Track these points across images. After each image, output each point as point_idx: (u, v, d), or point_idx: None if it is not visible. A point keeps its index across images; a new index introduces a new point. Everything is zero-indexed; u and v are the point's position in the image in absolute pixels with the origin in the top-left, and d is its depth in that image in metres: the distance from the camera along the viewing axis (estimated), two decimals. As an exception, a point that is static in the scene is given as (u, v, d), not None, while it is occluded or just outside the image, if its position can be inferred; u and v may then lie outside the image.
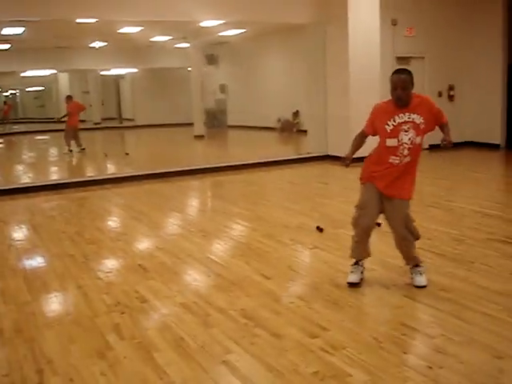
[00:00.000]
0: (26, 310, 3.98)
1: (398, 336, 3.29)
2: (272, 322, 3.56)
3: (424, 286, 4.02)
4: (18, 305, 4.08)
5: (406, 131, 3.79)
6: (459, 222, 5.99)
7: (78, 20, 10.60)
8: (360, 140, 4.08)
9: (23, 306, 4.04)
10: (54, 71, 22.49)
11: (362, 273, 4.18)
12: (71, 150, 14.07)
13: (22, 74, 22.71)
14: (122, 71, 23.54)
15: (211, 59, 22.21)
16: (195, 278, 4.56)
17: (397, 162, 3.87)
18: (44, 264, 5.22)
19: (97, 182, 9.06)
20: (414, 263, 4.12)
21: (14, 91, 37.99)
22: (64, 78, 26.00)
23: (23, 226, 6.69)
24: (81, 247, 5.57)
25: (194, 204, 8.25)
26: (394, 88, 3.74)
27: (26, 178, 10.80)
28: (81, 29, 14.91)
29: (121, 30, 15.35)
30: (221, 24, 13.85)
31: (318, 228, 5.68)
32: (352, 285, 4.09)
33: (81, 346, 3.38)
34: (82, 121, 24.48)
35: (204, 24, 14.32)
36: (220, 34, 16.90)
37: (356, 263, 4.19)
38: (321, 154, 10.93)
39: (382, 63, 10.33)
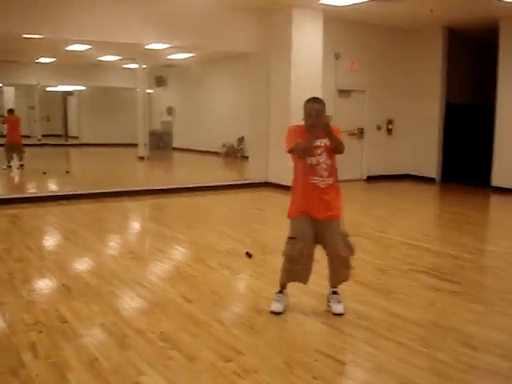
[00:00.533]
0: None
1: (309, 362, 3.37)
2: (188, 345, 3.59)
3: (342, 314, 4.14)
4: None
5: (320, 155, 3.98)
6: (385, 252, 6.19)
7: (25, 35, 10.40)
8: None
9: None
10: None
11: (285, 301, 4.26)
12: (10, 166, 13.75)
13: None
14: (69, 88, 23.23)
15: (160, 81, 22.26)
16: (118, 299, 4.53)
17: (318, 181, 4.01)
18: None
19: (31, 200, 8.89)
20: (345, 280, 4.28)
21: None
22: (9, 93, 25.46)
23: None
24: (7, 265, 5.45)
25: (128, 226, 8.18)
26: (308, 116, 3.92)
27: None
28: (28, 44, 14.73)
29: (69, 48, 15.31)
30: (168, 47, 14.02)
31: (247, 254, 5.75)
32: (275, 313, 4.15)
33: (-7, 363, 3.31)
34: (27, 136, 24.16)
35: (151, 46, 14.54)
36: (169, 56, 17.10)
37: (281, 291, 4.26)
38: (261, 181, 11.08)
39: (324, 95, 10.56)
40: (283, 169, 10.38)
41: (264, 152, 11.10)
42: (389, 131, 12.44)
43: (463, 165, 12.01)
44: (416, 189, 11.70)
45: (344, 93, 11.63)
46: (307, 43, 10.25)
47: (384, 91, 12.20)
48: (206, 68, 18.68)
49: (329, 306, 4.24)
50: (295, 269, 4.15)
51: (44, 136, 24.63)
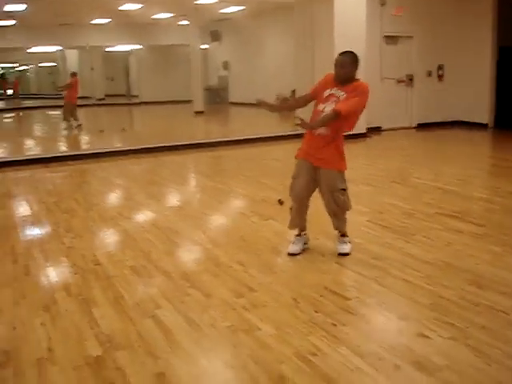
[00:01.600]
0: (-11, 269, 4.33)
1: (316, 297, 3.59)
2: (206, 284, 3.88)
3: (347, 254, 4.34)
4: (-18, 265, 4.43)
5: (331, 103, 4.10)
6: (416, 197, 6.23)
7: None
8: (301, 99, 4.44)
9: (-14, 267, 4.40)
10: (60, 48, 22.70)
11: (305, 243, 4.47)
12: (70, 125, 14.39)
13: (29, 51, 22.96)
14: (128, 48, 23.73)
15: (215, 36, 22.37)
16: (151, 245, 4.85)
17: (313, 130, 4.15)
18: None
19: (85, 156, 9.39)
20: (337, 230, 4.43)
21: (26, 67, 38.53)
22: (73, 55, 26.29)
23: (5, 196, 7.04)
24: (55, 216, 5.91)
25: (174, 179, 8.48)
26: (335, 65, 4.12)
27: (15, 151, 11.16)
28: (82, 6, 15.19)
29: (122, 7, 15.65)
30: (216, 2, 14.09)
31: (279, 201, 5.94)
32: (291, 255, 4.38)
33: (30, 300, 3.72)
34: (87, 97, 25.00)
35: (201, 1, 14.64)
36: (221, 11, 17.14)
37: (298, 234, 4.48)
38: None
39: (369, 42, 10.50)
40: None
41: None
42: (439, 77, 12.14)
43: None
44: (467, 135, 11.46)
45: (391, 39, 11.41)
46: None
47: (433, 36, 11.85)
48: (259, 21, 18.62)
49: (337, 248, 4.43)
50: (293, 205, 4.38)
51: (108, 96, 25.52)
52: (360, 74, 9.84)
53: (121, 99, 25.56)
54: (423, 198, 6.15)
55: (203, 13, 17.39)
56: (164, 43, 21.64)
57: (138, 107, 23.11)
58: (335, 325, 3.21)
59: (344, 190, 4.28)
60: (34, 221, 5.76)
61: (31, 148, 12.12)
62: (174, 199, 6.75)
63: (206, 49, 23.74)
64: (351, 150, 9.35)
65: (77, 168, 8.81)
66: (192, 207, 6.21)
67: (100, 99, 24.89)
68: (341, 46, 10.13)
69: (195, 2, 15.17)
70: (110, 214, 5.94)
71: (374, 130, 11.20)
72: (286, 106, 4.44)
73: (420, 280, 3.82)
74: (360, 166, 8.27)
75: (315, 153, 4.19)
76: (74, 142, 13.05)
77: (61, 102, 15.20)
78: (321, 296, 3.61)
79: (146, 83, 24.15)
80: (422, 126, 12.04)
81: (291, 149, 9.92)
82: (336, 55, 4.19)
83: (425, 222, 5.25)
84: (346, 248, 4.39)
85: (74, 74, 14.74)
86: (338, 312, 3.39)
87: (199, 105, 17.70)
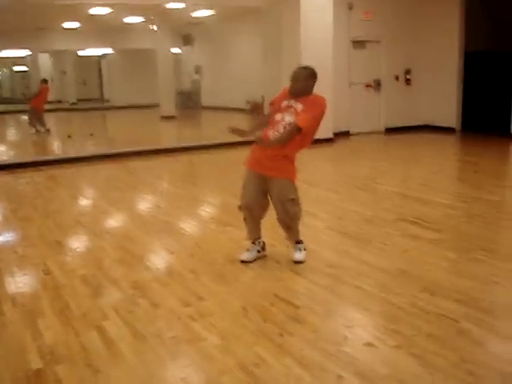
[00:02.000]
0: None
1: (266, 306, 3.54)
2: (156, 293, 3.81)
3: (301, 262, 4.29)
4: None
5: (290, 114, 4.09)
6: (377, 203, 6.24)
7: None
8: (268, 116, 4.28)
9: None
10: (29, 52, 22.39)
11: (258, 251, 4.42)
12: (38, 130, 14.19)
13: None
14: (98, 52, 23.50)
15: (187, 40, 22.29)
16: (104, 253, 4.75)
17: (271, 135, 4.07)
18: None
19: (49, 163, 9.23)
20: (291, 239, 4.40)
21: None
22: (45, 59, 26.00)
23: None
24: (11, 224, 5.78)
25: (137, 185, 8.35)
26: (290, 79, 4.16)
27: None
28: (51, 10, 14.96)
29: (92, 11, 15.49)
30: (184, 7, 14.01)
31: (239, 207, 5.89)
32: (244, 262, 4.33)
33: (-27, 312, 3.62)
34: (59, 101, 24.66)
35: (169, 5, 14.54)
36: (191, 14, 17.09)
37: (253, 242, 4.43)
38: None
39: (337, 47, 10.53)
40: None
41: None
42: (407, 81, 12.22)
43: (484, 114, 11.69)
44: (434, 139, 11.53)
45: (358, 44, 11.46)
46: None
47: (401, 41, 11.94)
48: (230, 25, 18.62)
49: (292, 255, 4.38)
50: (245, 216, 4.35)
51: (81, 100, 25.25)
52: (327, 79, 9.98)
53: (93, 103, 25.33)
54: (384, 204, 6.16)
55: (174, 17, 17.33)
56: (135, 47, 21.52)
57: (109, 112, 22.90)
58: (282, 334, 3.16)
59: (294, 199, 4.23)
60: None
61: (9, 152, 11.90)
62: (134, 206, 6.66)
63: (178, 53, 23.71)
64: (317, 155, 9.57)
65: (40, 174, 8.65)
66: (151, 214, 6.13)
67: (72, 103, 24.65)
68: (307, 51, 10.38)
69: (164, 6, 15.12)
70: (67, 221, 5.82)
71: (342, 135, 11.22)
72: (257, 126, 4.28)
73: (372, 288, 3.81)
74: (325, 171, 8.29)
75: (265, 162, 4.14)
76: (40, 147, 12.86)
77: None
78: (271, 304, 3.56)
79: (117, 88, 23.99)
80: (390, 131, 12.11)
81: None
82: (298, 62, 4.21)
83: (383, 228, 5.24)
84: (300, 256, 4.35)
85: (44, 81, 14.57)
86: (287, 321, 3.35)
87: (168, 109, 17.59)
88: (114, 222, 5.79)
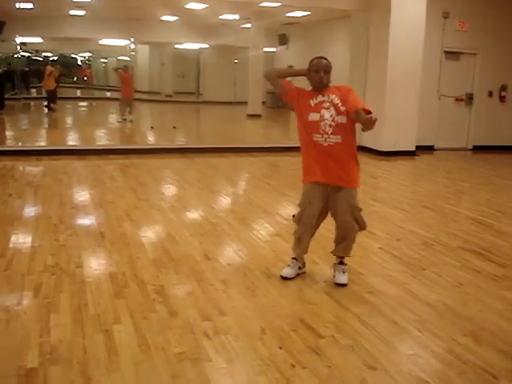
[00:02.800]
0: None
1: (286, 331, 3.26)
2: (178, 301, 3.62)
3: (344, 285, 3.98)
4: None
5: (327, 108, 3.78)
6: (444, 227, 5.73)
7: None
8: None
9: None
10: (128, 42, 23.01)
11: (299, 268, 4.15)
12: (125, 119, 14.56)
13: (101, 43, 23.44)
14: (196, 46, 23.84)
15: (283, 39, 22.14)
16: (140, 249, 4.64)
17: (321, 140, 3.77)
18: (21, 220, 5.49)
19: (121, 151, 9.37)
20: (343, 254, 4.09)
21: (105, 59, 39.69)
22: (144, 50, 26.72)
23: (29, 185, 7.04)
24: (63, 210, 5.83)
25: (190, 181, 8.24)
26: (316, 70, 3.80)
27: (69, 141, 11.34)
28: (149, 1, 15.30)
29: (187, 6, 15.71)
30: (280, 5, 13.79)
31: (293, 217, 5.61)
32: (284, 278, 4.07)
33: (-5, 299, 3.59)
34: (156, 93, 25.31)
35: (264, 4, 14.42)
36: (286, 14, 16.95)
37: (295, 258, 4.16)
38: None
39: (427, 57, 9.97)
40: (377, 134, 9.97)
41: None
42: (501, 98, 11.36)
43: None
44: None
45: (452, 55, 10.77)
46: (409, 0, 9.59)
47: (498, 55, 11.09)
48: (324, 27, 18.26)
49: (333, 276, 4.07)
50: (303, 236, 4.04)
51: (176, 93, 25.77)
52: (414, 89, 9.46)
53: (188, 97, 25.74)
54: (451, 228, 5.66)
55: (269, 16, 17.25)
56: (229, 44, 21.61)
57: (201, 106, 23.22)
58: (294, 366, 2.88)
59: (361, 209, 4.03)
60: (40, 213, 5.69)
61: (80, 138, 12.31)
62: (189, 204, 6.50)
63: (273, 52, 23.63)
64: (395, 169, 9.08)
65: (108, 162, 8.78)
66: (202, 215, 5.94)
67: (167, 96, 25.21)
68: (395, 59, 9.89)
69: (259, 5, 15.07)
70: (117, 213, 5.78)
71: (425, 149, 10.60)
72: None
73: (410, 324, 3.42)
74: (397, 186, 7.81)
75: (333, 170, 3.83)
76: (118, 136, 13.16)
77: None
78: (293, 330, 3.28)
79: (210, 83, 24.23)
80: (479, 149, 11.32)
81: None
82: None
83: (442, 255, 4.78)
84: (343, 278, 4.03)
85: (124, 69, 14.92)
86: (304, 351, 3.05)
87: (255, 108, 17.55)
88: (162, 219, 5.66)
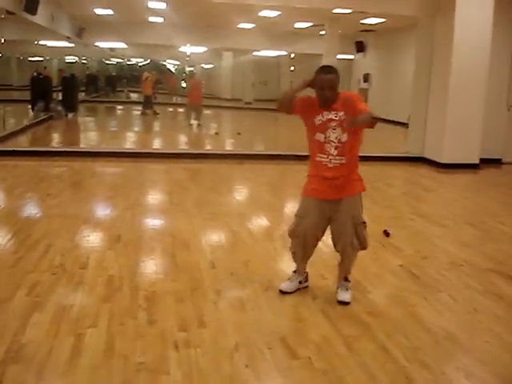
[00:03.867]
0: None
1: (261, 348, 3.09)
2: (163, 310, 3.54)
3: (347, 303, 3.75)
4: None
5: (334, 129, 3.57)
6: (481, 245, 5.30)
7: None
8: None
9: None
10: (205, 48, 23.40)
11: (300, 282, 3.95)
12: (191, 124, 14.80)
13: (181, 50, 23.96)
14: (274, 54, 23.90)
15: (360, 47, 21.76)
16: (149, 255, 4.61)
17: (325, 160, 3.59)
18: (38, 219, 5.60)
19: (171, 156, 9.49)
20: (344, 274, 3.85)
21: (191, 68, 40.96)
22: (228, 57, 27.13)
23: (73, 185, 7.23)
24: (94, 210, 5.93)
25: (222, 189, 8.11)
26: (320, 88, 3.49)
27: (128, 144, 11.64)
28: (223, 9, 15.46)
29: (260, 14, 15.76)
30: (353, 12, 13.47)
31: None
32: (283, 293, 3.89)
33: (-11, 294, 3.66)
34: (237, 100, 25.59)
35: (336, 11, 14.16)
36: (360, 21, 16.61)
37: (295, 271, 3.97)
38: (416, 155, 10.26)
39: (494, 64, 9.38)
40: (439, 144, 9.53)
41: (422, 124, 10.22)
42: None
43: None
44: None
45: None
46: (475, 4, 9.06)
47: None
48: (401, 34, 17.76)
49: (336, 293, 3.84)
50: (296, 249, 3.84)
51: (257, 100, 25.93)
52: (479, 98, 8.94)
53: (267, 104, 25.82)
54: (488, 248, 5.22)
55: (343, 23, 16.95)
56: (306, 52, 21.54)
57: (275, 113, 23.17)
58: (253, 387, 2.71)
59: (365, 223, 3.76)
60: (70, 213, 5.81)
61: (137, 141, 12.62)
62: (220, 210, 6.40)
63: (351, 59, 23.27)
64: (451, 181, 8.57)
65: (158, 164, 8.89)
66: (228, 222, 5.82)
67: (247, 103, 25.42)
68: (459, 66, 9.35)
69: (332, 12, 14.85)
70: (142, 216, 5.79)
71: (492, 162, 9.96)
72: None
73: (400, 351, 3.15)
74: (446, 201, 7.36)
75: (335, 187, 3.63)
76: (181, 140, 13.37)
77: (214, 102, 15.59)
78: (268, 348, 3.10)
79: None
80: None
81: (390, 171, 9.17)
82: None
83: (467, 277, 4.41)
84: (347, 296, 3.81)
85: (191, 75, 15.16)
86: (270, 372, 2.88)
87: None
88: (186, 223, 5.61)
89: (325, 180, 3.63)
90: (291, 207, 6.36)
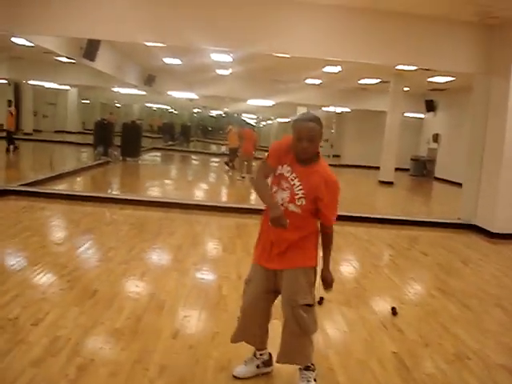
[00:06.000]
0: None
1: None
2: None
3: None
4: None
5: (284, 189, 3.10)
6: (502, 333, 4.55)
7: (276, 54, 10.51)
8: (265, 180, 3.19)
9: None
10: (273, 102, 23.45)
11: (257, 367, 3.43)
12: (243, 177, 14.60)
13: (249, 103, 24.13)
14: (332, 109, 23.60)
15: (430, 106, 21.05)
16: (116, 314, 4.23)
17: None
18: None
19: (190, 207, 9.24)
20: (299, 364, 3.28)
21: (266, 122, 41.78)
22: (302, 111, 27.16)
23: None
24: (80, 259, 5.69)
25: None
26: (298, 138, 2.98)
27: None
28: (286, 63, 15.45)
29: (324, 69, 15.60)
30: (418, 68, 12.94)
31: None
32: (236, 378, 3.38)
33: None
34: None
35: (400, 67, 13.72)
36: (428, 79, 16.03)
37: (254, 354, 3.46)
38: (467, 223, 9.47)
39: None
40: (490, 212, 8.75)
41: (475, 189, 9.44)
42: None
43: None
44: None
45: None
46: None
47: None
48: (469, 94, 16.93)
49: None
50: (244, 324, 3.33)
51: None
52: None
53: (328, 160, 25.48)
54: (509, 338, 4.46)
55: (411, 80, 16.46)
56: (370, 108, 21.17)
57: (337, 168, 22.75)
58: None
59: (309, 305, 3.14)
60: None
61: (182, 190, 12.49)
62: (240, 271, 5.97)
63: (421, 118, 22.54)
64: (499, 255, 7.68)
65: (187, 218, 8.62)
66: (218, 288, 5.36)
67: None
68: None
69: (396, 68, 14.45)
70: (130, 268, 5.47)
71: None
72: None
73: None
74: (483, 276, 6.52)
75: (273, 257, 3.16)
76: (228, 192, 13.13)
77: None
78: None
79: (348, 146, 23.78)
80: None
81: (434, 239, 8.43)
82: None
83: (469, 374, 3.71)
84: None
85: (250, 127, 15.11)
86: None
87: (387, 174, 16.68)
88: (175, 282, 5.20)
89: (272, 250, 3.17)
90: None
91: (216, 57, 14.57)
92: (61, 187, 10.65)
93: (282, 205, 3.07)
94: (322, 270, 3.23)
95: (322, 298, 4.87)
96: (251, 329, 3.33)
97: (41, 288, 4.69)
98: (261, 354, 3.44)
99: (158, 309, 4.43)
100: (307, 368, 3.29)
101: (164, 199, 9.70)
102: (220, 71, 18.55)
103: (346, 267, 6.40)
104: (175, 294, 4.86)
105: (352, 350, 3.91)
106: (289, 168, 3.09)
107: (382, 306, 5.02)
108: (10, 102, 16.95)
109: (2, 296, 4.39)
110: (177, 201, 9.45)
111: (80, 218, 7.85)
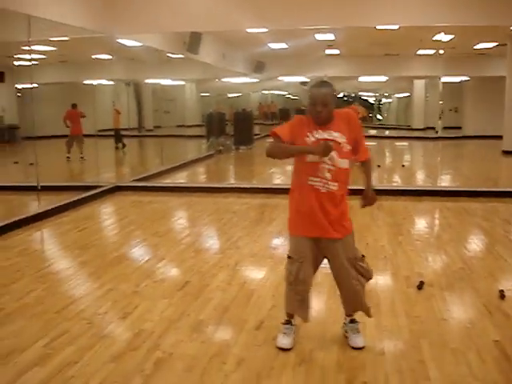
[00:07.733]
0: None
1: None
2: (162, 379, 3.10)
3: (362, 348, 3.34)
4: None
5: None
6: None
7: (379, 27, 10.17)
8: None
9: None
10: (386, 77, 22.60)
11: (294, 333, 3.50)
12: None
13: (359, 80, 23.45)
14: (457, 79, 22.24)
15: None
16: (205, 311, 4.20)
17: (319, 185, 3.19)
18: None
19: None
20: (356, 310, 3.48)
21: (386, 99, 40.49)
22: (419, 85, 25.95)
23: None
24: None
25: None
26: (312, 104, 3.14)
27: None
28: (395, 36, 14.81)
29: (435, 38, 14.74)
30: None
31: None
32: (283, 350, 3.38)
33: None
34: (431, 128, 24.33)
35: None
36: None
37: (288, 322, 3.49)
38: None
39: None
40: None
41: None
42: None
43: None
44: None
45: None
46: None
47: None
48: None
49: (346, 337, 3.47)
50: (293, 296, 3.38)
51: (445, 128, 24.42)
52: None
53: (445, 132, 24.12)
54: None
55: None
56: (490, 75, 19.68)
57: (458, 141, 21.48)
58: None
59: (363, 255, 3.41)
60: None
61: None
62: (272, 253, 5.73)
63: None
64: None
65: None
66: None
67: (417, 129, 24.22)
68: None
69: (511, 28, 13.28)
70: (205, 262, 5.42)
71: None
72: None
73: None
74: None
75: (327, 221, 3.23)
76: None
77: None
78: None
79: (470, 116, 22.32)
80: None
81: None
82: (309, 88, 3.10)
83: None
84: (360, 340, 3.39)
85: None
86: None
87: (511, 143, 15.42)
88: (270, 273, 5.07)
89: (319, 208, 3.21)
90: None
91: (320, 36, 14.24)
92: (169, 180, 10.93)
93: (333, 165, 3.17)
94: (366, 190, 3.41)
95: (422, 282, 4.56)
96: (309, 302, 3.42)
97: (134, 282, 4.77)
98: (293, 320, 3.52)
99: (245, 299, 4.33)
100: (353, 321, 3.48)
101: (266, 185, 9.61)
102: (328, 51, 18.17)
103: (453, 247, 5.90)
104: (265, 283, 4.73)
105: (448, 339, 3.54)
106: (319, 131, 3.18)
107: (489, 289, 4.54)
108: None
109: (95, 291, 4.52)
110: (280, 186, 9.28)
111: (187, 208, 8.02)
